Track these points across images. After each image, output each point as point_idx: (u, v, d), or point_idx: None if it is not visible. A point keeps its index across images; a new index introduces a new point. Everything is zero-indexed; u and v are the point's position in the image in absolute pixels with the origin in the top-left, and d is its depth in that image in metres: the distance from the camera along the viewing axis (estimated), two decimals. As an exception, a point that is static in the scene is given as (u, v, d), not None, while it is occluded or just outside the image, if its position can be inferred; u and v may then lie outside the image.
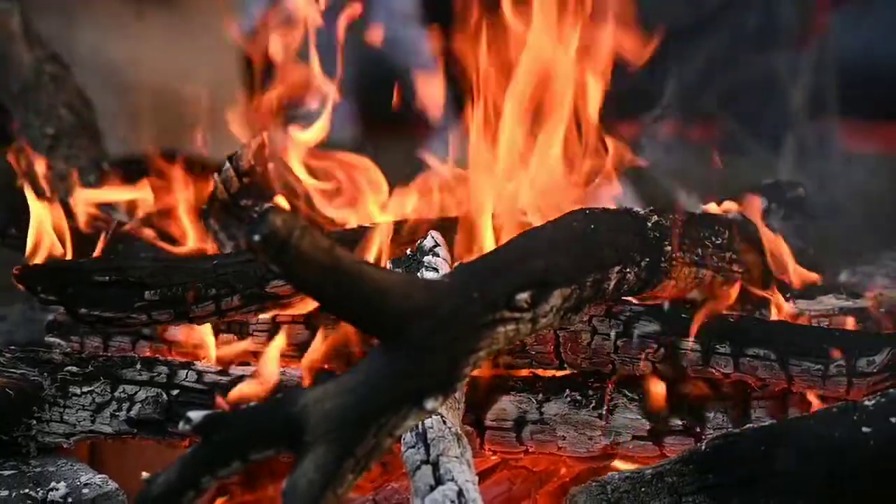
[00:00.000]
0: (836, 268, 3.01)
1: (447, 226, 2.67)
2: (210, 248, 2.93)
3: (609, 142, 2.75)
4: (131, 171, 3.11)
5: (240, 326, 2.70)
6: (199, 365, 2.60)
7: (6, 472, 2.48)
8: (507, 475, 2.60)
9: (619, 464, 2.51)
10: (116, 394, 2.55)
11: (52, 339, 2.75)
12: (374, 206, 2.99)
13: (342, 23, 3.05)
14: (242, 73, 4.33)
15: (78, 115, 3.61)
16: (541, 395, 2.50)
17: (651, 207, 2.51)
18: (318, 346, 2.60)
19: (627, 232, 2.39)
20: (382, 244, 2.60)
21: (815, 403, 2.44)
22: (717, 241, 2.56)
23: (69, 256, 2.76)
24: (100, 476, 2.46)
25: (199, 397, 2.53)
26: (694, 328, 2.45)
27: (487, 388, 2.52)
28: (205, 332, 2.69)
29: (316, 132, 3.02)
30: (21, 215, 2.78)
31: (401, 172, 3.06)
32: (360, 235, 2.67)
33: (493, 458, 2.55)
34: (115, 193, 3.06)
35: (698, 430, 2.44)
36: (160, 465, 1.97)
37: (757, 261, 2.66)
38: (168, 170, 2.99)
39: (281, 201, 2.89)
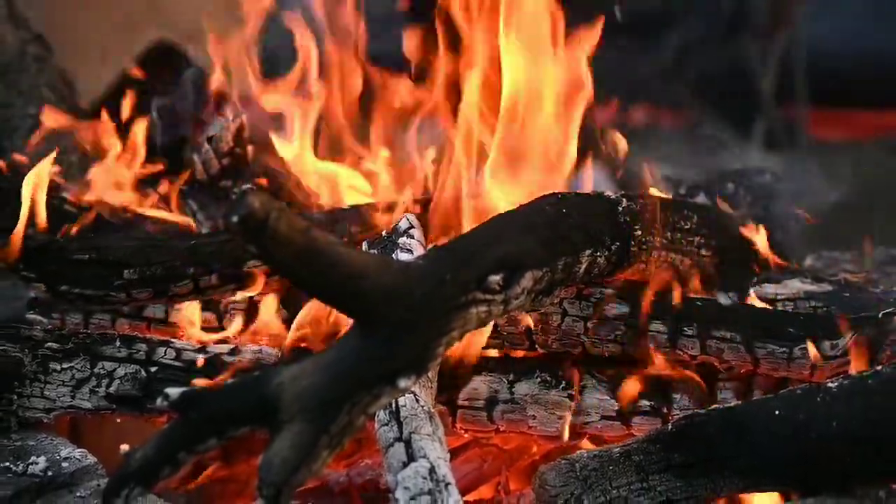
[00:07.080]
0: (803, 252, 3.04)
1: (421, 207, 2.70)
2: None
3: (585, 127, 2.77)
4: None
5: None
6: (178, 342, 2.62)
7: (-13, 447, 2.51)
8: (479, 453, 2.63)
9: (587, 443, 2.55)
10: (96, 370, 2.57)
11: (33, 316, 2.77)
12: (352, 189, 3.01)
13: None
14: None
15: (60, 96, 3.62)
16: (512, 376, 2.53)
17: (622, 192, 2.54)
18: (295, 325, 2.63)
19: (598, 216, 2.42)
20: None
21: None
22: (686, 226, 2.60)
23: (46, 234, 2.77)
24: (79, 450, 2.48)
25: (177, 374, 2.55)
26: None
27: (460, 367, 2.55)
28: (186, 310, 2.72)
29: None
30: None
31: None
32: (337, 217, 2.70)
33: (465, 436, 2.58)
34: None
35: (665, 410, 2.48)
36: (139, 440, 1.99)
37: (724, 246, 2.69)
38: None
39: (260, 182, 2.91)
